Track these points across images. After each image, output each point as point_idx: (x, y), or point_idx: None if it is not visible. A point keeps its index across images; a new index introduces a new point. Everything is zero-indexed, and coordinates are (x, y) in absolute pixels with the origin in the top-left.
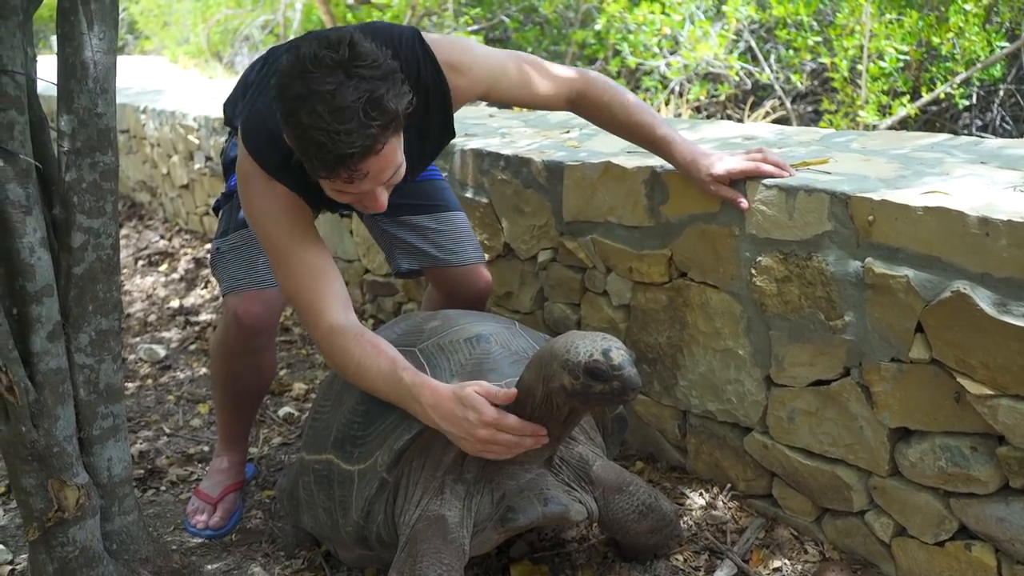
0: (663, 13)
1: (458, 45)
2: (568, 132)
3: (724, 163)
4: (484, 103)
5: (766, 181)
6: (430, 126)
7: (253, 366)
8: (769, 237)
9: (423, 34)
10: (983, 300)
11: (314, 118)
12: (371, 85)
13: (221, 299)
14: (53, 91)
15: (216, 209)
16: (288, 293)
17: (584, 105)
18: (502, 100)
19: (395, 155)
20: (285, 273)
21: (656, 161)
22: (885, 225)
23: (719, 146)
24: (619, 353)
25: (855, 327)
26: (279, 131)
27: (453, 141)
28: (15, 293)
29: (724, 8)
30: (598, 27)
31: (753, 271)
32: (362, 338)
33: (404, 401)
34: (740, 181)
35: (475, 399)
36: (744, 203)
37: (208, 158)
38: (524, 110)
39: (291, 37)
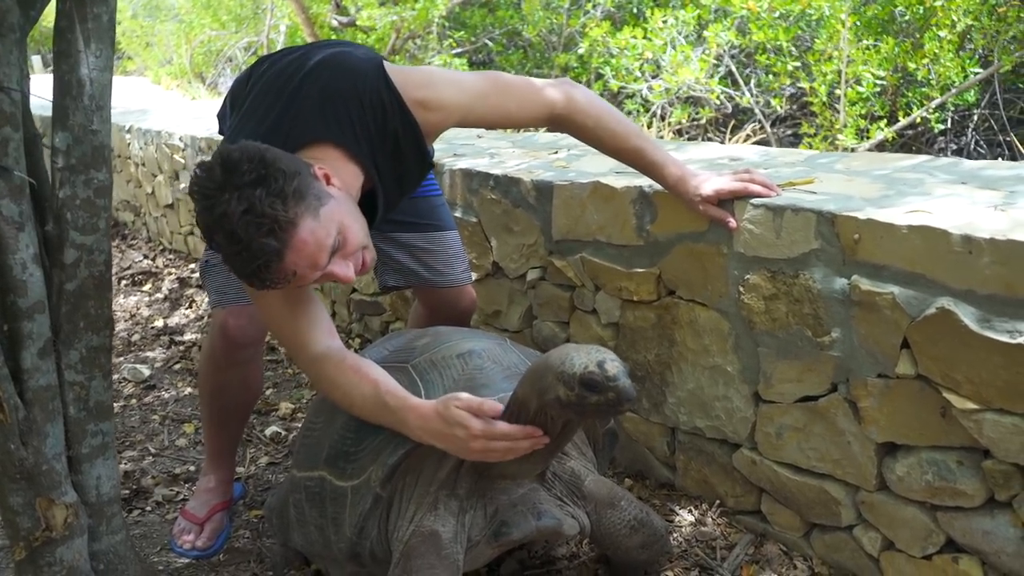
0: (645, 38)
1: (426, 80)
2: (556, 152)
3: (712, 183)
4: None
5: (754, 201)
6: (406, 165)
7: (239, 379)
8: (757, 255)
9: (389, 70)
10: (967, 316)
11: (220, 248)
12: (246, 194)
13: (209, 311)
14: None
15: None
16: (268, 326)
17: (567, 126)
18: (478, 126)
19: (316, 239)
20: (262, 307)
21: (645, 181)
22: (871, 243)
23: (706, 167)
24: (614, 365)
25: (842, 343)
26: None
27: (442, 161)
28: (6, 309)
29: (705, 33)
30: (581, 51)
31: (741, 289)
32: (343, 364)
33: (392, 426)
34: (728, 201)
35: (459, 415)
36: (732, 223)
37: None
38: (512, 131)
39: None
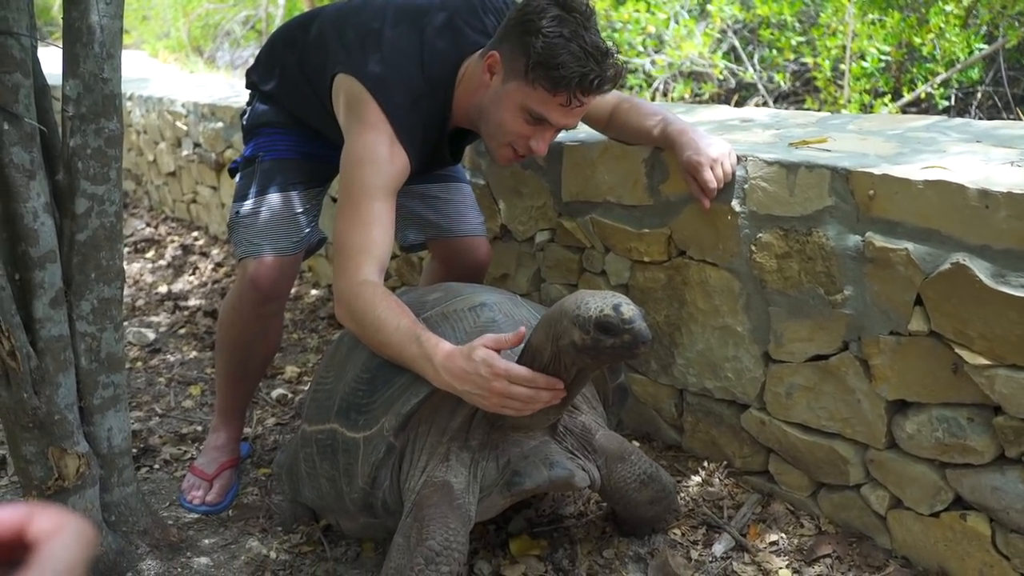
0: (648, 12)
1: None
2: None
3: (698, 156)
4: None
5: (766, 157)
6: None
7: (262, 332)
8: (770, 213)
9: None
10: (982, 271)
11: (575, 36)
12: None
13: (237, 263)
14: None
15: (232, 171)
16: (341, 235)
17: (611, 129)
18: None
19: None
20: (352, 216)
21: None
22: (885, 199)
23: (715, 128)
24: (629, 308)
25: (854, 301)
26: (418, 87)
27: None
28: (17, 258)
29: (709, 7)
30: None
31: (753, 248)
32: (389, 296)
33: (416, 361)
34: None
35: (484, 352)
36: (706, 203)
37: (197, 144)
38: None
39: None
